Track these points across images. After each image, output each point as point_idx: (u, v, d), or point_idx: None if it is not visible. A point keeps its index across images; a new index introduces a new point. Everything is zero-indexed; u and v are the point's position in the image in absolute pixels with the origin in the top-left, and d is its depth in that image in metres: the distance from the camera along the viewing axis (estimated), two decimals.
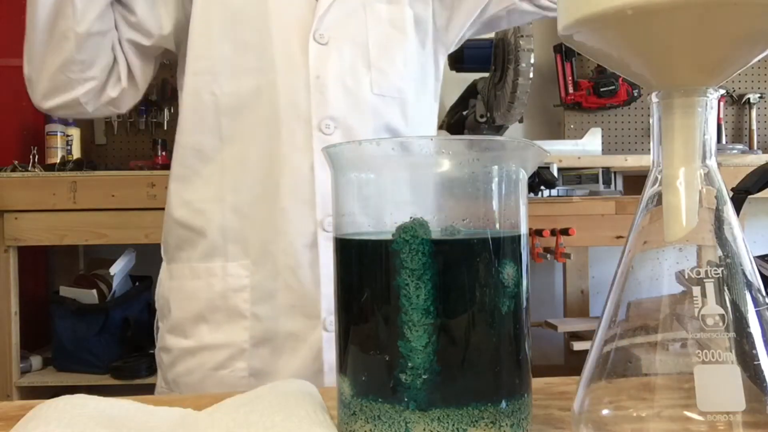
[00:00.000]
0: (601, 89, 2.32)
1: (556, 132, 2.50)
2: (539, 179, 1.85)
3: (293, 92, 0.81)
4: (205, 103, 0.83)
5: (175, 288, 0.86)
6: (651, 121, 0.40)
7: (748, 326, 0.37)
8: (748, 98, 2.48)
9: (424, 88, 0.93)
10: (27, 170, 1.97)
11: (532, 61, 1.85)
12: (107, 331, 2.01)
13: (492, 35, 2.01)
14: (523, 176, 0.42)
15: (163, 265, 0.90)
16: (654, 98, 0.39)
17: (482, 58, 2.04)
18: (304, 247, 0.81)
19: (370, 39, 0.85)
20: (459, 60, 2.15)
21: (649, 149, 0.41)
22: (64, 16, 0.79)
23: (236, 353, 0.82)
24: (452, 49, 0.98)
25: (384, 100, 0.86)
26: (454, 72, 2.21)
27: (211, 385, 0.82)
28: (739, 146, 2.27)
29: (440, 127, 2.22)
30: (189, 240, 0.85)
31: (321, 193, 0.81)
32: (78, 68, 0.83)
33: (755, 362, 0.36)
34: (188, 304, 0.84)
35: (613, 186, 2.09)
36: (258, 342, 0.82)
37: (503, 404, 0.39)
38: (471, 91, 2.16)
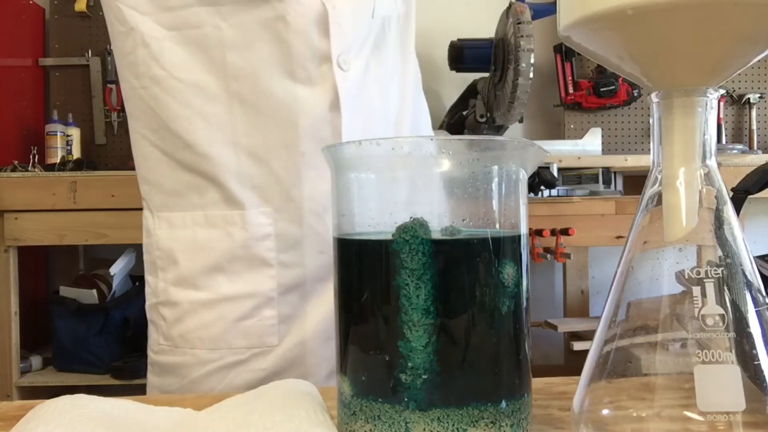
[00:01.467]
0: (601, 89, 2.32)
1: (556, 132, 2.50)
2: (539, 179, 1.85)
3: (306, 24, 0.76)
4: (209, 37, 0.77)
5: (181, 237, 0.80)
6: (651, 121, 0.40)
7: (748, 326, 0.37)
8: (748, 98, 2.48)
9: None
10: (27, 170, 1.97)
11: (532, 61, 1.85)
12: (107, 331, 2.01)
13: (492, 35, 2.01)
14: (523, 176, 0.42)
15: (149, 213, 0.85)
16: (654, 98, 0.39)
17: (482, 58, 2.04)
18: (329, 191, 0.78)
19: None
20: (459, 60, 2.15)
21: (649, 149, 0.41)
22: None
23: (263, 302, 0.78)
24: None
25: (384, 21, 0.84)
26: (454, 72, 2.21)
27: (234, 336, 0.78)
28: (739, 146, 2.27)
29: (440, 127, 2.22)
30: (195, 186, 0.79)
31: (344, 133, 0.77)
32: None
33: (755, 362, 0.36)
34: (200, 255, 0.79)
35: (613, 186, 2.09)
36: (286, 289, 0.78)
37: (503, 404, 0.39)
38: (471, 91, 2.16)
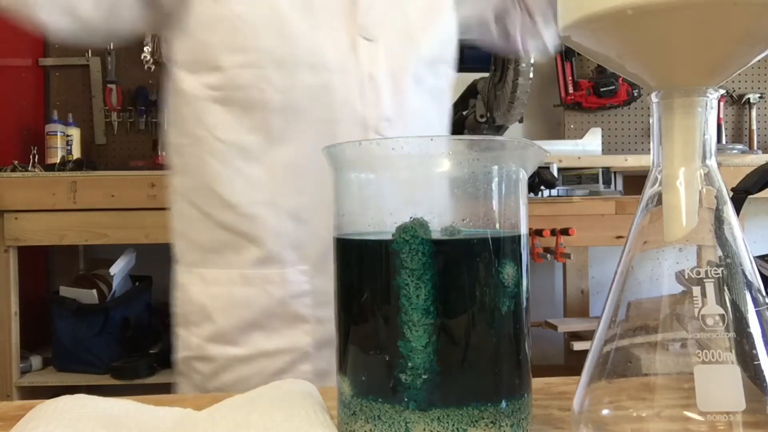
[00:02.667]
0: (601, 89, 2.32)
1: (556, 132, 2.50)
2: (539, 179, 1.85)
3: (347, 92, 0.78)
4: (253, 99, 0.77)
5: (216, 294, 0.81)
6: (651, 121, 0.40)
7: (748, 326, 0.37)
8: (748, 98, 2.48)
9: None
10: (27, 170, 1.97)
11: (532, 61, 1.84)
12: (107, 331, 2.01)
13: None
14: (523, 176, 0.42)
15: (183, 268, 0.84)
16: (654, 98, 0.39)
17: (482, 58, 2.03)
18: None
19: (416, 29, 0.83)
20: (459, 60, 2.14)
21: (649, 149, 0.41)
22: None
23: (299, 357, 0.79)
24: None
25: (430, 94, 0.85)
26: None
27: None
28: (739, 146, 2.27)
29: None
30: (234, 245, 0.79)
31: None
32: None
33: (755, 362, 0.36)
34: (237, 312, 0.79)
35: (613, 186, 2.09)
36: (321, 344, 0.79)
37: (503, 404, 0.39)
38: (471, 91, 2.16)
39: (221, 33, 0.78)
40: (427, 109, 0.85)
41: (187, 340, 0.83)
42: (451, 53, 0.89)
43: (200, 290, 0.82)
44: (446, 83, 0.90)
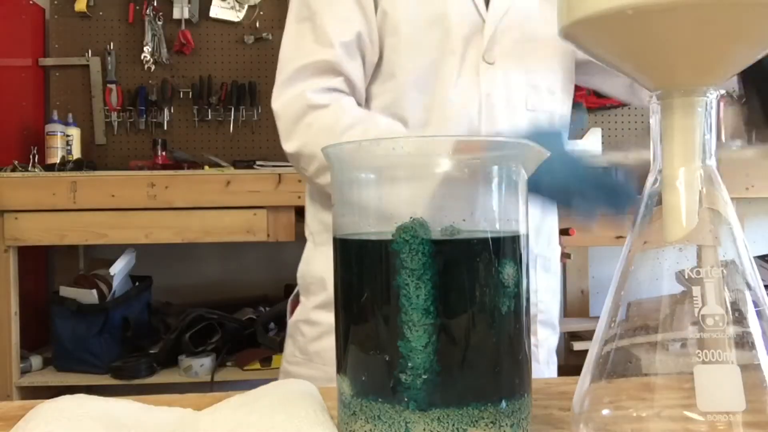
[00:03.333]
0: None
1: None
2: None
3: (466, 109, 0.87)
4: (396, 113, 0.87)
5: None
6: (651, 121, 0.40)
7: (748, 326, 0.37)
8: None
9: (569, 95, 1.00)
10: (27, 170, 1.97)
11: None
12: (107, 331, 2.01)
13: None
14: (523, 176, 0.42)
15: (311, 245, 0.97)
16: (654, 98, 0.39)
17: None
18: None
19: (528, 58, 0.91)
20: None
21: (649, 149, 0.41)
22: None
23: None
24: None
25: (537, 114, 0.92)
26: None
27: None
28: (738, 142, 2.27)
29: None
30: (355, 225, 0.92)
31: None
32: None
33: (755, 362, 0.36)
34: None
35: None
36: None
37: (503, 404, 0.39)
38: None
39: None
40: (540, 121, 0.92)
41: (303, 306, 0.95)
42: (564, 86, 0.97)
43: (322, 265, 0.93)
44: (557, 108, 0.97)
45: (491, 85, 0.88)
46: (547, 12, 0.92)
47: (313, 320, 0.92)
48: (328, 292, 0.90)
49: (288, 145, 0.88)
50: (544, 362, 1.00)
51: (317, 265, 0.95)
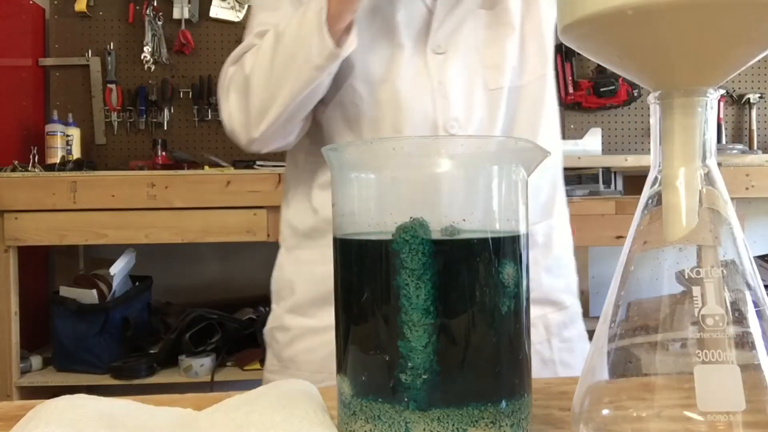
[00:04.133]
0: (601, 89, 2.32)
1: None
2: None
3: (420, 98, 0.87)
4: (350, 112, 0.88)
5: (303, 272, 0.92)
6: (651, 121, 0.40)
7: (748, 326, 0.37)
8: (748, 98, 2.48)
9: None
10: (27, 170, 1.97)
11: None
12: (107, 331, 2.01)
13: None
14: (523, 176, 0.42)
15: (284, 251, 0.97)
16: (654, 98, 0.39)
17: None
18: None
19: (480, 42, 0.90)
20: None
21: (649, 149, 0.41)
22: (314, 96, 0.86)
23: None
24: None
25: (500, 92, 0.90)
26: None
27: (334, 362, 0.88)
28: (739, 146, 2.27)
29: None
30: (320, 229, 0.90)
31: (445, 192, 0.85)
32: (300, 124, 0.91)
33: (755, 362, 0.36)
34: (314, 287, 0.89)
35: (613, 186, 2.09)
36: None
37: (503, 404, 0.39)
38: None
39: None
40: (495, 108, 0.91)
41: (275, 312, 0.95)
42: (538, 52, 0.96)
43: (292, 268, 0.94)
44: (529, 78, 0.96)
45: (442, 74, 0.87)
46: None
47: (285, 325, 0.93)
48: (297, 296, 0.91)
49: (224, 115, 0.91)
50: (553, 344, 0.90)
51: (287, 270, 0.95)
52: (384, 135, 0.88)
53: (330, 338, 0.87)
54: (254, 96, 0.88)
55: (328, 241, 0.87)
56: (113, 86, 2.42)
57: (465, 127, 0.87)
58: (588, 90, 2.34)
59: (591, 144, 2.21)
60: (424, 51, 0.88)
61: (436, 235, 0.39)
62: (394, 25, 0.88)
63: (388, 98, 0.88)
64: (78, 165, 2.03)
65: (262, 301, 2.29)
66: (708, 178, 0.39)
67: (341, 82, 0.89)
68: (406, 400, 0.38)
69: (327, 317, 0.86)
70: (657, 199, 0.40)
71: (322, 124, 0.92)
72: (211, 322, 2.06)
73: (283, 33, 0.85)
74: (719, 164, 0.39)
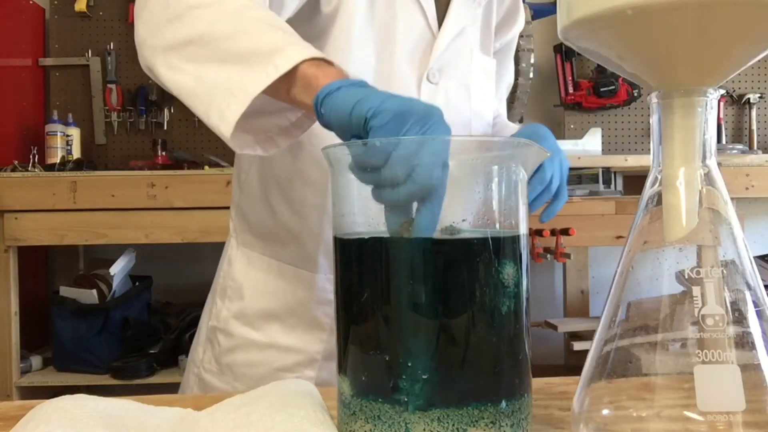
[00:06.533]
0: (601, 89, 2.32)
1: (556, 132, 2.49)
2: None
3: None
4: None
5: (254, 277, 0.86)
6: (651, 121, 0.40)
7: (748, 326, 0.37)
8: (748, 98, 2.48)
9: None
10: (27, 170, 1.97)
11: (532, 61, 1.85)
12: (107, 331, 2.01)
13: None
14: (523, 176, 0.42)
15: (234, 243, 0.89)
16: (654, 98, 0.39)
17: None
18: None
19: (472, 84, 0.89)
20: None
21: (649, 149, 0.41)
22: None
23: (306, 361, 0.84)
24: None
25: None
26: None
27: (271, 381, 0.83)
28: (739, 146, 2.27)
29: None
30: (280, 237, 0.84)
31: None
32: None
33: (755, 362, 0.36)
34: (265, 299, 0.85)
35: (613, 186, 2.09)
36: (330, 356, 0.83)
37: (503, 404, 0.39)
38: None
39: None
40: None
41: (219, 310, 0.89)
42: (494, 110, 0.96)
43: (243, 269, 0.88)
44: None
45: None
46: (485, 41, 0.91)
47: (230, 331, 0.86)
48: (246, 304, 0.85)
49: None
50: None
51: (238, 269, 0.88)
52: None
53: (273, 356, 0.84)
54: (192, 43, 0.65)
55: (290, 255, 0.83)
56: (113, 86, 2.42)
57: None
58: (588, 90, 2.34)
59: (591, 144, 2.21)
60: (418, 76, 0.84)
61: (436, 235, 0.39)
62: (394, 44, 0.82)
63: None
64: (78, 165, 2.03)
65: None
66: (708, 178, 0.39)
67: None
68: (406, 400, 0.38)
69: (273, 333, 0.84)
70: (657, 199, 0.40)
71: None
72: None
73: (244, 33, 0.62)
74: (719, 164, 0.39)
